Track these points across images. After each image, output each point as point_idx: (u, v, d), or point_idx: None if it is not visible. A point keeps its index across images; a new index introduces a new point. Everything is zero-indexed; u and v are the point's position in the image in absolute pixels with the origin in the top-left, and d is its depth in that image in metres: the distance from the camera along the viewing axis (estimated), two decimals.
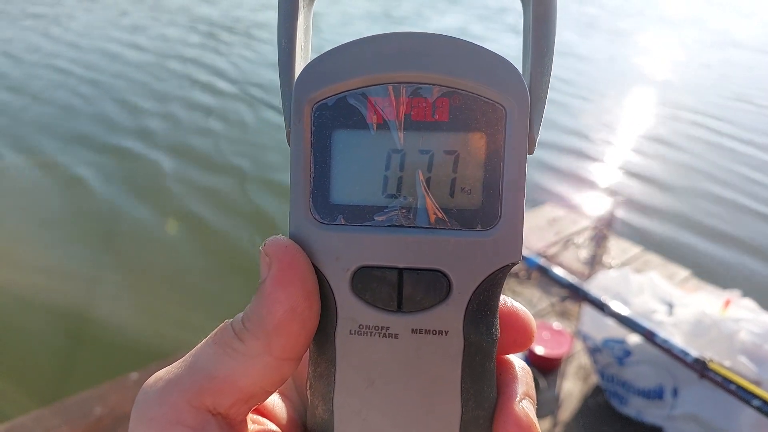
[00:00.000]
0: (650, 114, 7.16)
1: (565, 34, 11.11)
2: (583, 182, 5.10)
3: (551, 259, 2.87)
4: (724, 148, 6.02)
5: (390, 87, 0.32)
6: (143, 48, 8.26)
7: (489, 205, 0.32)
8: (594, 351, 2.04)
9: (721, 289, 2.38)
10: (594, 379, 2.23)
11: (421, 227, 0.33)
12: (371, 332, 0.33)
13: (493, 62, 0.32)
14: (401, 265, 0.32)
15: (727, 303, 1.93)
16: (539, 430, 0.34)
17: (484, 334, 0.33)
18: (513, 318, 0.36)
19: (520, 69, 0.33)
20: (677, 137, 6.21)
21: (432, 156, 0.32)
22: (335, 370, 0.34)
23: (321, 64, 0.33)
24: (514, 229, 0.32)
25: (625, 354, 1.93)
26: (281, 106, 0.35)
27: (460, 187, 0.32)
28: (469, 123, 0.32)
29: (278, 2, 0.35)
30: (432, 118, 0.32)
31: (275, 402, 0.38)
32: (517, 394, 0.34)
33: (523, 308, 0.37)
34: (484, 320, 0.33)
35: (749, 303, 1.93)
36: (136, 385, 2.15)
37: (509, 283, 2.75)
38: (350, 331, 0.33)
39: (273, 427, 0.37)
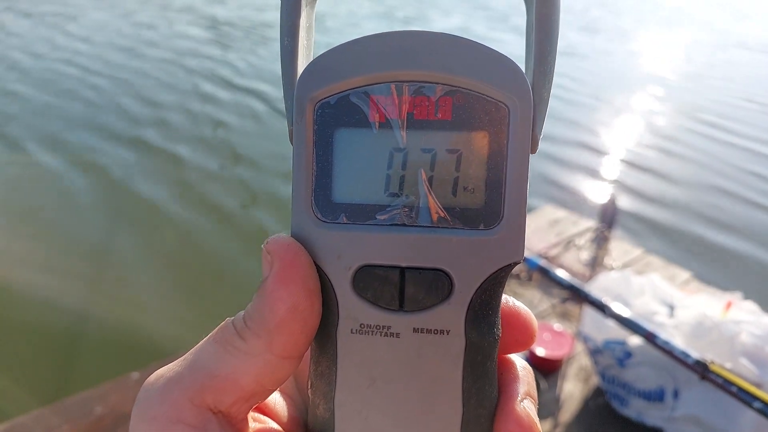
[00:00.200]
0: (652, 115, 7.15)
1: (569, 35, 11.12)
2: (584, 183, 5.10)
3: (552, 260, 2.87)
4: (727, 148, 6.02)
5: (392, 85, 0.32)
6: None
7: (491, 205, 0.32)
8: (595, 352, 2.04)
9: (722, 291, 2.38)
10: (595, 380, 2.23)
11: (423, 226, 0.33)
12: (373, 331, 0.33)
13: (496, 61, 0.32)
14: (403, 264, 0.32)
15: (729, 305, 1.92)
16: (540, 429, 0.34)
17: (486, 333, 0.33)
18: (515, 317, 0.36)
19: (523, 68, 0.33)
20: (679, 138, 6.21)
21: (434, 155, 0.32)
22: (336, 368, 0.34)
23: (323, 62, 0.33)
24: (516, 228, 0.32)
25: (625, 355, 1.92)
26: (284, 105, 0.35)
27: (462, 186, 0.32)
28: (471, 122, 0.32)
29: (281, 1, 0.35)
30: (435, 117, 0.32)
31: (276, 400, 0.38)
32: (518, 394, 0.34)
33: (525, 308, 0.37)
34: (485, 320, 0.33)
35: (750, 305, 1.93)
36: (136, 384, 2.15)
37: (510, 285, 2.75)
38: (352, 330, 0.33)
39: (274, 425, 0.37)
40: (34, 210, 4.11)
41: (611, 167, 5.49)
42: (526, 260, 2.05)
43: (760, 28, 16.13)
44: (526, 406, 0.34)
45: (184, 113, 5.97)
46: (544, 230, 3.40)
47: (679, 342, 1.61)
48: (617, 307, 1.69)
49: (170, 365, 0.33)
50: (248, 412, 0.34)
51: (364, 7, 12.72)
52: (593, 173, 5.33)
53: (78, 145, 5.13)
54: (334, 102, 0.33)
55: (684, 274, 3.10)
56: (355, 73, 0.33)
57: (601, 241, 3.28)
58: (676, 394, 1.86)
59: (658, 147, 5.97)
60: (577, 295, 1.83)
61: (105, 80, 6.84)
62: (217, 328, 0.33)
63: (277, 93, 6.57)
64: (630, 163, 5.57)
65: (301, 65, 0.35)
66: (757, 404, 1.30)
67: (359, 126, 0.33)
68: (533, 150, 0.33)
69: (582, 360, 2.34)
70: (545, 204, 3.88)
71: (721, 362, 1.56)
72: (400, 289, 0.32)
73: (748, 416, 1.67)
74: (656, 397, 1.90)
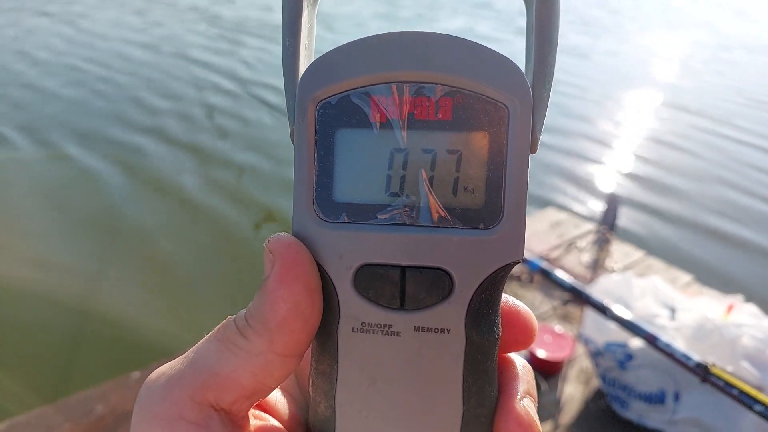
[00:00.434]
0: (654, 116, 7.14)
1: (571, 36, 11.12)
2: (585, 185, 5.10)
3: (553, 262, 2.87)
4: (729, 150, 6.01)
5: (393, 86, 0.33)
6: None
7: (491, 204, 0.33)
8: (596, 355, 2.04)
9: (723, 294, 2.37)
10: (595, 382, 2.22)
11: (423, 226, 0.33)
12: (373, 330, 0.33)
13: (496, 61, 0.32)
14: (404, 263, 0.33)
15: (730, 308, 1.92)
16: (540, 428, 0.34)
17: (486, 332, 0.33)
18: (514, 316, 0.36)
19: (523, 68, 0.33)
20: (681, 140, 6.20)
21: (435, 155, 0.33)
22: (337, 367, 0.34)
23: (324, 62, 0.33)
24: (516, 227, 0.32)
25: (626, 358, 1.92)
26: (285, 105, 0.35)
27: (462, 186, 0.33)
28: (472, 122, 0.32)
29: (282, 1, 0.35)
30: (435, 117, 0.33)
31: (277, 398, 0.39)
32: (518, 393, 0.34)
33: (525, 307, 0.37)
34: (486, 318, 0.33)
35: (752, 308, 1.92)
36: (137, 384, 2.15)
37: (511, 286, 2.75)
38: (353, 328, 0.33)
39: (275, 422, 0.37)
40: (35, 208, 4.12)
41: (612, 169, 5.48)
42: (527, 262, 2.06)
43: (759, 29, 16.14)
44: (526, 404, 0.34)
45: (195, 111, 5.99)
46: (546, 232, 3.40)
47: (680, 345, 1.61)
48: (618, 310, 1.69)
49: (171, 363, 0.33)
50: (249, 410, 0.34)
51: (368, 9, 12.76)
52: (594, 175, 5.33)
53: (81, 140, 5.14)
54: (336, 102, 0.33)
55: (685, 277, 3.10)
56: (356, 73, 0.33)
57: (602, 243, 3.27)
58: (677, 397, 1.86)
59: (659, 149, 5.96)
60: (578, 297, 1.83)
61: (118, 76, 6.87)
62: (218, 326, 0.33)
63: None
64: (631, 165, 5.56)
65: (303, 65, 0.35)
66: (758, 407, 1.30)
67: (360, 126, 0.33)
68: (533, 150, 0.33)
69: (583, 362, 2.34)
70: (546, 206, 3.88)
71: (722, 365, 1.56)
72: (401, 287, 0.33)
73: (749, 419, 1.67)
74: (657, 399, 1.90)
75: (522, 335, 0.36)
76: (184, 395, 0.31)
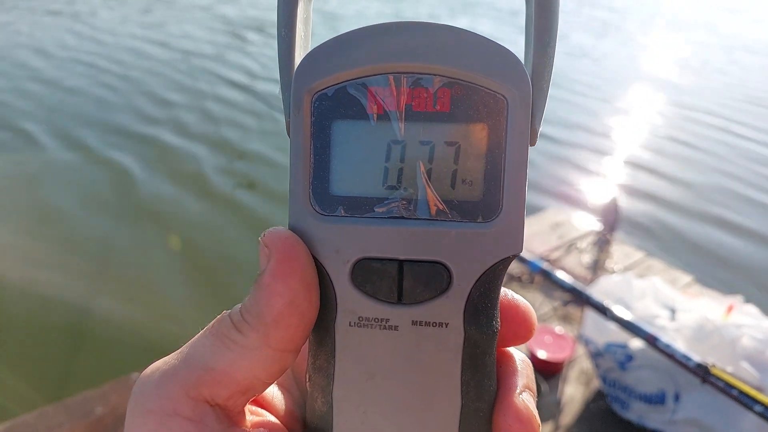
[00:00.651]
0: (656, 116, 7.14)
1: (574, 36, 11.12)
2: (586, 186, 5.09)
3: (554, 263, 2.87)
4: (730, 151, 6.01)
5: (391, 77, 0.32)
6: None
7: (490, 197, 0.32)
8: (596, 355, 2.03)
9: (723, 295, 2.37)
10: (596, 383, 2.22)
11: (421, 219, 0.32)
12: (371, 324, 0.33)
13: (494, 52, 0.32)
14: (401, 257, 0.32)
15: (730, 308, 1.92)
16: (539, 422, 0.33)
17: (485, 326, 0.33)
18: (513, 310, 0.36)
19: (522, 59, 0.33)
20: (682, 140, 6.20)
21: (433, 147, 0.32)
22: (335, 362, 0.33)
23: (321, 53, 0.33)
24: (515, 221, 0.32)
25: (627, 359, 1.92)
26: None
27: (461, 178, 0.32)
28: (470, 114, 0.32)
29: None
30: (433, 109, 0.32)
31: (274, 393, 0.38)
32: (517, 387, 0.34)
33: (524, 301, 0.36)
34: (484, 312, 0.33)
35: (752, 309, 1.92)
36: None
37: (511, 287, 2.74)
38: (350, 323, 0.33)
39: (272, 418, 0.36)
40: (37, 206, 4.11)
41: (613, 170, 5.48)
42: (528, 263, 2.05)
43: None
44: (525, 398, 0.34)
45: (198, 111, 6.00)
46: (546, 233, 3.40)
47: (680, 345, 1.60)
48: (619, 311, 1.69)
49: (166, 358, 0.33)
50: (245, 405, 0.34)
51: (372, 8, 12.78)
52: (595, 176, 5.32)
53: (83, 140, 5.15)
54: (332, 93, 0.33)
55: (685, 278, 3.10)
56: (352, 64, 0.32)
57: (602, 244, 3.27)
58: (677, 398, 1.86)
59: (660, 150, 5.96)
60: (578, 298, 1.82)
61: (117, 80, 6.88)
62: (213, 321, 0.33)
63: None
64: (632, 166, 5.56)
65: (299, 57, 0.35)
66: (758, 408, 1.30)
67: (357, 118, 0.32)
68: (532, 142, 0.33)
69: (583, 363, 2.34)
70: (547, 207, 3.88)
71: (722, 366, 1.56)
72: (399, 282, 0.32)
73: (749, 420, 1.66)
74: (657, 400, 1.89)
75: (521, 329, 0.36)
76: (178, 391, 0.31)
